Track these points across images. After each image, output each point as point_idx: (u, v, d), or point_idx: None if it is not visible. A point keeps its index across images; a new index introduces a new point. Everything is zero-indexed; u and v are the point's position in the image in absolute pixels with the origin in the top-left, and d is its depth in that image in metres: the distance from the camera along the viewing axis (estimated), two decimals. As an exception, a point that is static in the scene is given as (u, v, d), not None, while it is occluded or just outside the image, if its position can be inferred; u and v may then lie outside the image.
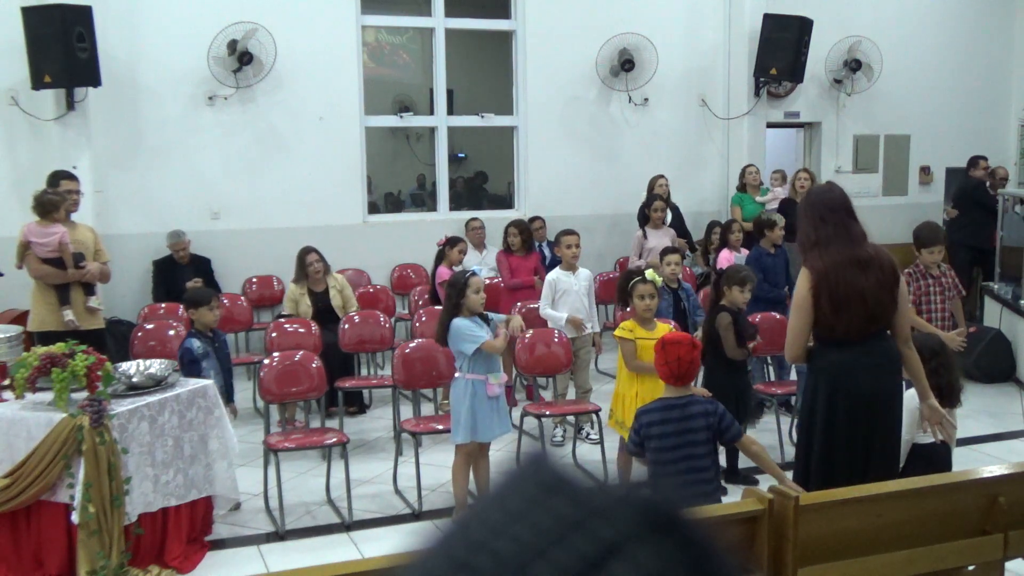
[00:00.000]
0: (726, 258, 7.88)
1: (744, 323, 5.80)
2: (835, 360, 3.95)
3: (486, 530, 0.57)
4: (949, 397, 4.41)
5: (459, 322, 4.97)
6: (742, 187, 9.68)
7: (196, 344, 5.56)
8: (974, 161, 10.56)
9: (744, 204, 9.51)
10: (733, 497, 4.95)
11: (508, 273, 7.75)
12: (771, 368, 7.32)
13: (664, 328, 5.37)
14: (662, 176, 9.28)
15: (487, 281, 7.32)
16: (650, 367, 5.19)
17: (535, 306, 7.02)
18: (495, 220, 9.13)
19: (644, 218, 8.61)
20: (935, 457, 4.38)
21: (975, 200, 9.96)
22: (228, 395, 5.69)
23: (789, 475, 4.17)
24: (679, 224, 9.20)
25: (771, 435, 6.40)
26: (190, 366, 5.41)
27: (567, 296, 6.53)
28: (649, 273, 5.35)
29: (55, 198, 6.19)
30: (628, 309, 5.49)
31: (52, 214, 6.17)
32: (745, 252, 8.04)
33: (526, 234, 7.88)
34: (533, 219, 9.10)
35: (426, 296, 8.11)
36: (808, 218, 4.01)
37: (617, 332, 5.39)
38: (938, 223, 6.49)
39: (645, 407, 4.13)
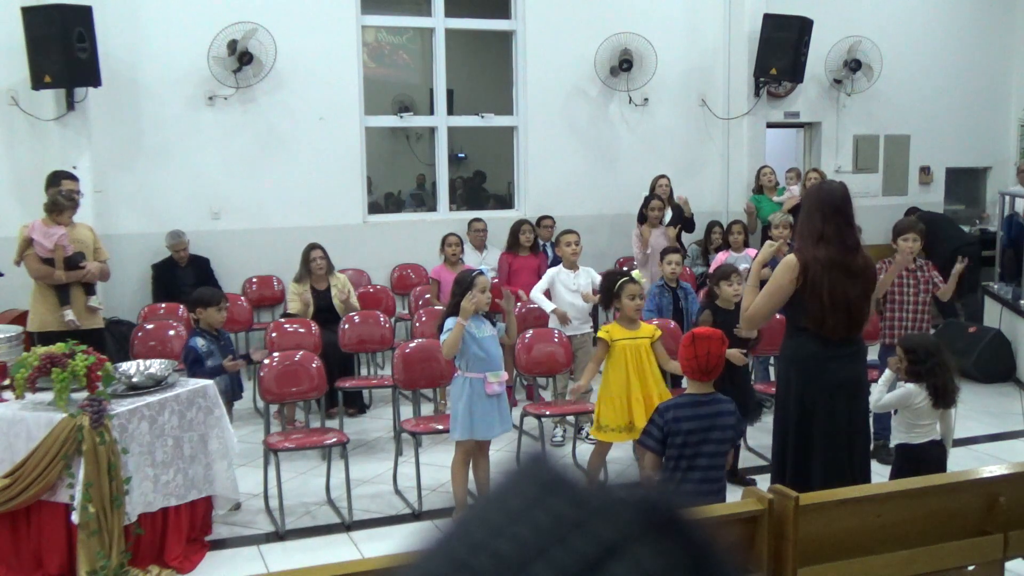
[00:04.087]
0: (720, 260, 7.87)
1: (731, 329, 5.68)
2: (806, 352, 4.06)
3: (486, 530, 0.57)
4: (944, 398, 4.42)
5: (451, 319, 5.02)
6: (758, 188, 9.71)
7: (200, 342, 5.57)
8: None
9: (761, 205, 9.51)
10: (733, 497, 4.95)
11: (506, 276, 7.73)
12: (772, 368, 7.31)
13: (649, 328, 5.37)
14: (664, 176, 9.28)
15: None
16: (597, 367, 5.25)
17: (534, 306, 7.02)
18: (494, 220, 9.13)
19: (642, 217, 8.61)
20: (927, 457, 4.40)
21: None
22: (235, 391, 5.80)
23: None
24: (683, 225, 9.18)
25: (770, 435, 6.39)
26: (194, 365, 5.42)
27: (563, 294, 6.54)
28: (635, 274, 5.37)
29: (65, 202, 6.21)
30: (615, 311, 5.44)
31: (57, 215, 6.18)
32: (747, 252, 8.04)
33: (533, 234, 7.96)
34: (543, 218, 9.10)
35: (426, 296, 8.11)
36: (815, 211, 4.06)
37: (599, 332, 5.43)
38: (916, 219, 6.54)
39: (670, 402, 4.04)
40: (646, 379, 5.22)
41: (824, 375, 4.02)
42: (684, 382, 4.39)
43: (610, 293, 5.36)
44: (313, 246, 7.38)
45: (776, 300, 4.07)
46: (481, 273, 5.12)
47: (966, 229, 11.15)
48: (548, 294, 6.84)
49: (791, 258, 4.03)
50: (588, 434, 6.49)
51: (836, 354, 4.02)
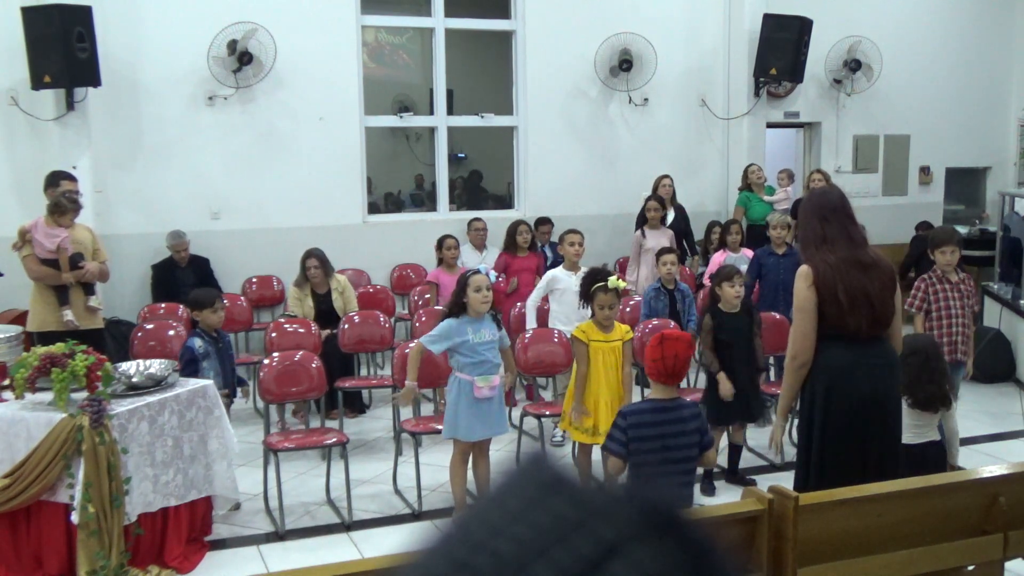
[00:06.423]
0: (717, 260, 7.87)
1: (735, 332, 5.68)
2: (834, 360, 3.93)
3: (486, 530, 0.57)
4: (943, 399, 4.43)
5: (447, 322, 5.01)
6: (746, 186, 9.65)
7: (197, 343, 5.56)
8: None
9: (751, 203, 9.47)
10: (733, 497, 4.95)
11: (507, 277, 7.75)
12: (772, 368, 7.30)
13: (622, 329, 5.31)
14: (667, 176, 9.27)
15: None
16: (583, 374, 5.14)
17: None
18: (494, 220, 9.13)
19: (643, 219, 8.61)
20: (925, 458, 4.39)
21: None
22: (236, 384, 5.79)
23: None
24: (684, 226, 9.19)
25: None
26: (189, 365, 5.41)
27: (565, 295, 6.52)
28: (612, 281, 5.20)
29: (69, 204, 6.20)
30: (588, 309, 5.36)
31: (59, 216, 6.17)
32: (744, 252, 8.04)
33: (530, 234, 8.00)
34: (541, 222, 9.11)
35: (426, 296, 8.12)
36: (812, 217, 4.02)
37: (574, 331, 5.33)
38: (954, 227, 6.45)
39: (632, 407, 4.01)
40: (616, 383, 5.18)
41: (848, 386, 3.88)
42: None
43: (587, 294, 5.30)
44: (308, 254, 7.30)
45: (807, 312, 3.92)
46: (477, 272, 5.07)
47: (966, 230, 11.15)
48: (546, 298, 6.82)
49: (804, 267, 3.96)
50: (560, 432, 6.41)
51: (863, 362, 3.88)
